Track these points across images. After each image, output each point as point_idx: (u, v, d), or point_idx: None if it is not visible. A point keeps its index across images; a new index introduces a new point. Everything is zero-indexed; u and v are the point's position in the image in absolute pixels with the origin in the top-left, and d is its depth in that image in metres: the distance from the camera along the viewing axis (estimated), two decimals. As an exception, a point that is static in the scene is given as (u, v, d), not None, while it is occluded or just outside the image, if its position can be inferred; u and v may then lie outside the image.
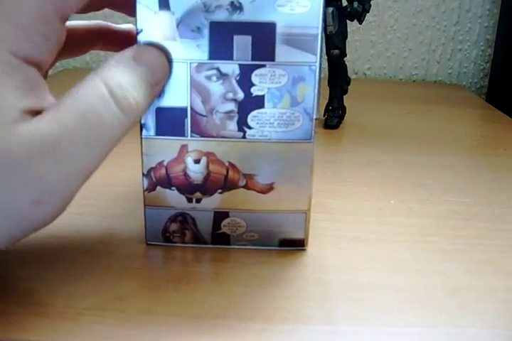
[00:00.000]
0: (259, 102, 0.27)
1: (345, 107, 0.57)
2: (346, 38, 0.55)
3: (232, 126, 0.28)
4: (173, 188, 0.29)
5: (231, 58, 0.27)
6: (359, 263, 0.30)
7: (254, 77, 0.27)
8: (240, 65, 0.27)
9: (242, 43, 0.27)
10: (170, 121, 0.28)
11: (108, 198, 0.36)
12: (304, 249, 0.30)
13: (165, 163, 0.29)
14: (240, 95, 0.27)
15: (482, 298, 0.27)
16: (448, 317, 0.25)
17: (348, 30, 0.55)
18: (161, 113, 0.28)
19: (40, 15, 0.22)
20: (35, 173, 0.21)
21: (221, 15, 0.26)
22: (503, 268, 0.30)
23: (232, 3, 0.26)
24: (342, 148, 0.49)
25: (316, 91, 0.27)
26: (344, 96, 0.57)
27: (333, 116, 0.55)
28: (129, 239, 0.31)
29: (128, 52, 0.25)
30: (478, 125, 0.61)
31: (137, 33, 0.27)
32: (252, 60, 0.27)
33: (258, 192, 0.29)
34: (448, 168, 0.45)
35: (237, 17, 0.26)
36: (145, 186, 0.29)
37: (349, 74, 0.57)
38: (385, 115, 0.62)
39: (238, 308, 0.25)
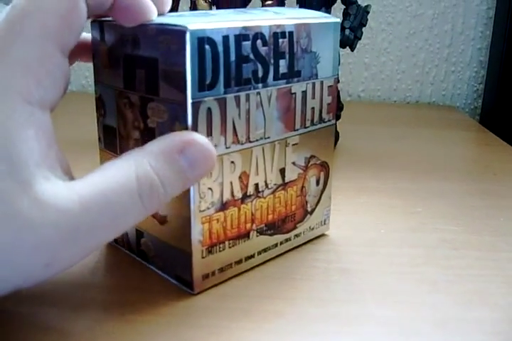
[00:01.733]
0: (151, 135, 0.28)
1: (338, 133, 0.57)
2: (339, 64, 0.55)
3: None
4: None
5: (134, 89, 0.28)
6: (347, 295, 0.30)
7: (148, 110, 0.28)
8: (139, 97, 0.28)
9: (140, 76, 0.28)
10: (109, 138, 0.31)
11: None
12: (193, 294, 0.29)
13: None
14: (142, 125, 0.28)
15: (469, 330, 0.27)
16: (435, 352, 0.25)
17: (342, 53, 0.56)
18: (105, 129, 0.31)
19: (43, 53, 0.23)
20: (47, 241, 0.22)
21: (128, 50, 0.28)
22: (491, 300, 0.30)
23: (133, 38, 0.27)
24: (334, 174, 0.50)
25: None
26: (337, 122, 0.57)
27: (326, 141, 0.56)
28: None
29: (175, 145, 0.25)
30: (471, 148, 0.62)
31: None
32: (146, 93, 0.28)
33: (157, 221, 0.30)
34: (439, 195, 0.45)
35: (136, 52, 0.27)
36: None
37: (343, 97, 0.58)
38: (378, 139, 0.62)
39: (227, 344, 0.25)
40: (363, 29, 0.55)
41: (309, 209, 0.34)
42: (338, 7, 0.56)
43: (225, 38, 0.27)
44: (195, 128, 0.26)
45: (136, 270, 0.31)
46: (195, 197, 0.27)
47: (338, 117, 0.57)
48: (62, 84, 0.24)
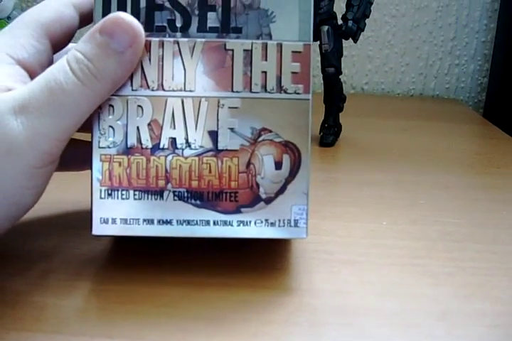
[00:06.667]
0: None
1: (340, 125, 0.57)
2: (342, 55, 0.55)
3: None
4: None
5: None
6: (349, 287, 0.30)
7: None
8: None
9: None
10: None
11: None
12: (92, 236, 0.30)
13: None
14: None
15: (470, 323, 0.27)
16: (435, 344, 0.25)
17: (346, 45, 0.56)
18: None
19: (34, 35, 0.29)
20: (5, 128, 0.26)
21: None
22: (493, 293, 0.30)
23: None
24: (336, 166, 0.49)
25: None
26: (340, 114, 0.57)
27: (328, 133, 0.55)
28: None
29: (96, 25, 0.27)
30: (474, 141, 0.62)
31: None
32: None
33: None
34: (442, 188, 0.45)
35: None
36: None
37: (347, 89, 0.58)
38: (381, 132, 0.62)
39: (225, 334, 0.25)
40: (366, 21, 0.55)
41: (263, 195, 0.30)
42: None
43: None
44: None
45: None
46: (95, 131, 0.29)
47: (340, 109, 0.57)
48: (43, 62, 0.29)
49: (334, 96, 0.56)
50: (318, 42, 0.54)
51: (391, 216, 0.39)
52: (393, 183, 0.46)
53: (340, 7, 0.62)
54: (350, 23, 0.52)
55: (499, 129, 0.65)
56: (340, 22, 0.54)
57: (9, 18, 0.72)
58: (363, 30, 0.54)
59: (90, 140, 0.29)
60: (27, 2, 0.89)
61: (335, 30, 0.53)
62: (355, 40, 0.54)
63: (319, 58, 0.55)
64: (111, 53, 0.27)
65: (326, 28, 0.53)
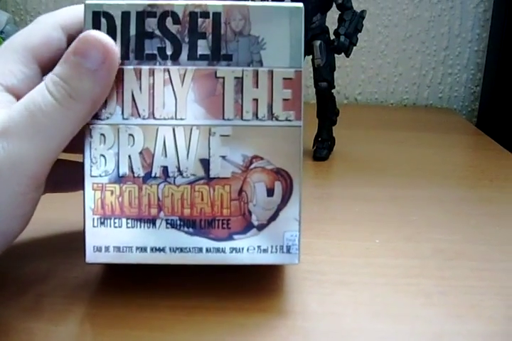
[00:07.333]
0: None
1: (334, 138, 0.57)
2: (334, 69, 0.55)
3: None
4: None
5: None
6: (342, 309, 0.30)
7: None
8: None
9: None
10: None
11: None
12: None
13: None
14: None
15: (463, 345, 0.27)
16: (428, 368, 0.25)
17: (339, 56, 0.56)
18: None
19: (22, 60, 0.29)
20: None
21: None
22: (485, 312, 0.30)
23: None
24: (330, 181, 0.50)
25: None
26: (333, 127, 0.57)
27: (322, 147, 0.56)
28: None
29: (70, 47, 0.28)
30: (468, 153, 0.62)
31: None
32: None
33: None
34: (435, 202, 0.45)
35: None
36: None
37: (340, 100, 0.58)
38: (375, 144, 0.62)
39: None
40: (358, 35, 0.55)
41: (255, 222, 0.30)
42: (334, 13, 0.56)
43: (125, 14, 0.28)
44: None
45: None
46: (87, 160, 0.29)
47: (333, 123, 0.57)
48: (31, 85, 0.29)
49: (327, 110, 0.56)
50: (311, 57, 0.54)
51: (385, 233, 0.39)
52: (387, 199, 0.46)
53: (332, 19, 0.62)
54: (342, 38, 0.53)
55: (492, 140, 0.66)
56: (332, 36, 0.54)
57: (2, 33, 0.72)
58: (355, 45, 0.54)
59: (81, 160, 0.29)
60: (20, 15, 0.89)
61: (327, 44, 0.54)
62: (348, 55, 0.54)
63: (311, 69, 0.55)
64: (84, 73, 0.27)
65: (318, 42, 0.53)
